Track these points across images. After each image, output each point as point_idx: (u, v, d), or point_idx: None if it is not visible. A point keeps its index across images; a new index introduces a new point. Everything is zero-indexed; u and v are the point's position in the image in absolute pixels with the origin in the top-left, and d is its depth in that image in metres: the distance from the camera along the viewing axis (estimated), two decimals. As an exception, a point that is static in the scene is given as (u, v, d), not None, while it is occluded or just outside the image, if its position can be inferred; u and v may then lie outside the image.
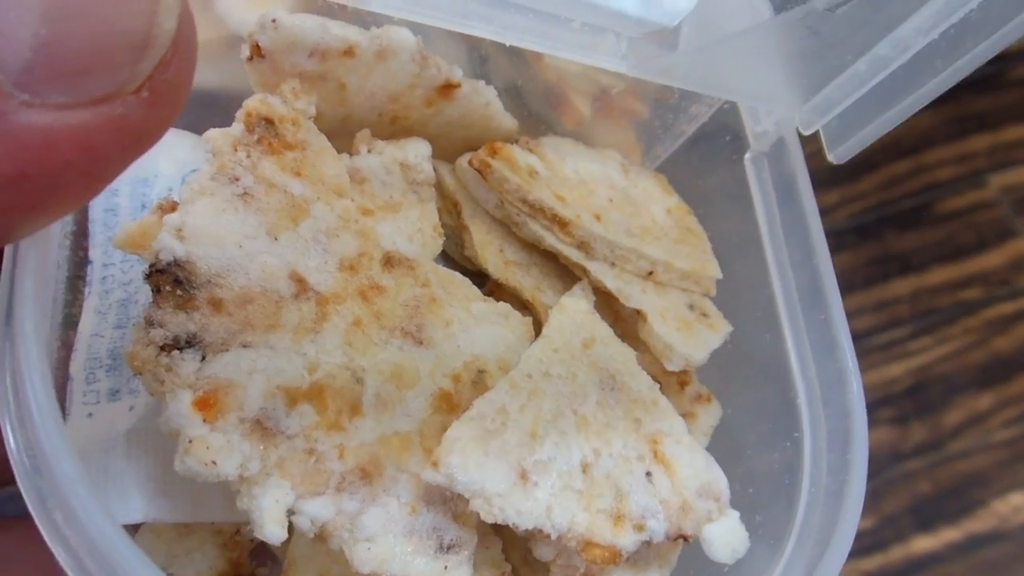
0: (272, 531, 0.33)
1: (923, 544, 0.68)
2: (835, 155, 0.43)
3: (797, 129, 0.44)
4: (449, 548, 0.36)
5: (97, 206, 0.43)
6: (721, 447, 0.43)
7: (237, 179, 0.38)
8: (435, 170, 0.47)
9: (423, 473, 0.35)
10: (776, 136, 0.45)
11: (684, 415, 0.44)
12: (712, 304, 0.46)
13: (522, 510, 0.36)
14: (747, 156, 0.46)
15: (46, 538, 0.28)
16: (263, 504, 0.33)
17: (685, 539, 0.38)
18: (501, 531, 0.40)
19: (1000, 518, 0.69)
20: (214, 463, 0.32)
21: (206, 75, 0.46)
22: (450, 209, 0.47)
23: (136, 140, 0.26)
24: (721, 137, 0.49)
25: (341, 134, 0.45)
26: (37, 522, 0.28)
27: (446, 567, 0.35)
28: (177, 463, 0.33)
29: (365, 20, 0.42)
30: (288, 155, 0.40)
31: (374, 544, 0.34)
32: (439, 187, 0.47)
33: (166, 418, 0.33)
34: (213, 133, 0.39)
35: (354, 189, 0.42)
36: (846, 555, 0.34)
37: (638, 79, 0.48)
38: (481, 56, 0.49)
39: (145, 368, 0.33)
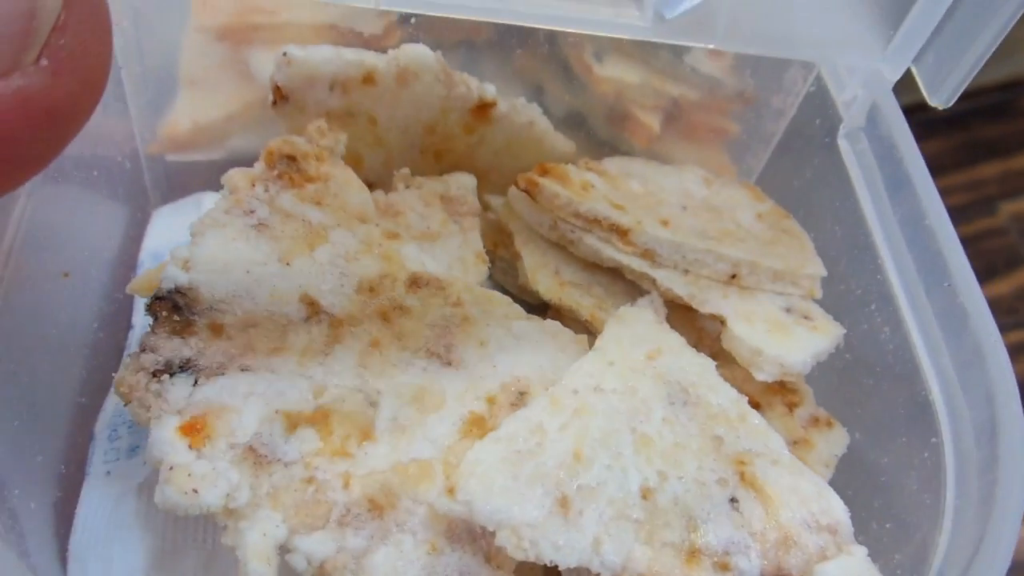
0: (256, 568, 0.28)
1: (940, 572, 0.62)
2: (938, 97, 0.35)
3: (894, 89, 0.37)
4: (479, 596, 0.29)
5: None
6: (850, 479, 0.34)
7: (252, 212, 0.36)
8: (486, 202, 0.44)
9: (436, 501, 0.29)
10: (868, 101, 0.38)
11: (796, 443, 0.36)
12: (818, 307, 0.38)
13: (561, 544, 0.29)
14: (840, 133, 0.39)
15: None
16: (248, 538, 0.28)
17: (790, 582, 0.29)
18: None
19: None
20: (195, 491, 0.29)
21: (248, 140, 0.46)
22: (504, 241, 0.42)
23: (47, 115, 0.25)
24: (811, 123, 0.42)
25: (386, 180, 0.43)
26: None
27: (472, 619, 0.29)
28: (157, 495, 0.29)
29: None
30: (309, 187, 0.38)
31: (382, 589, 0.29)
32: (493, 222, 0.43)
33: (149, 448, 0.30)
34: (232, 172, 0.38)
35: (386, 221, 0.39)
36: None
37: (710, 89, 0.44)
38: (537, 86, 0.46)
39: (132, 394, 0.31)
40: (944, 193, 0.34)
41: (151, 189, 0.45)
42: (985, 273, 0.79)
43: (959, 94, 0.34)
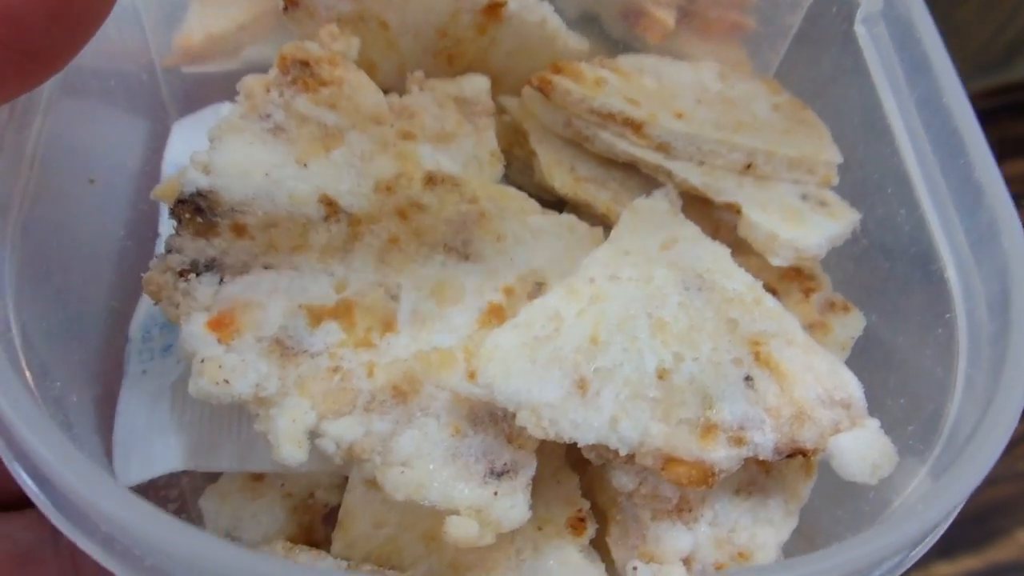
0: (289, 451, 0.29)
1: (943, 571, 0.65)
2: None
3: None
4: (502, 474, 0.30)
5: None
6: (865, 360, 0.34)
7: (268, 116, 0.37)
8: (500, 105, 0.44)
9: (458, 385, 0.30)
10: (885, -18, 0.37)
11: (812, 327, 0.36)
12: (834, 194, 0.38)
13: (579, 421, 0.30)
14: (857, 19, 0.39)
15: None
16: (279, 424, 0.30)
17: (804, 454, 0.30)
18: (579, 466, 0.34)
19: (1023, 548, 0.66)
20: (226, 381, 0.30)
21: (262, 50, 0.46)
22: (520, 141, 0.42)
23: (64, 9, 0.25)
24: (828, 12, 0.41)
25: (400, 87, 0.43)
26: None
27: (496, 493, 0.30)
28: (191, 386, 0.30)
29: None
30: (323, 91, 0.38)
31: (409, 468, 0.30)
32: (508, 124, 0.43)
33: (180, 343, 0.31)
34: (247, 78, 0.38)
35: (401, 121, 0.39)
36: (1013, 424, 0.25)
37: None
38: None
39: (162, 293, 0.32)
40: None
41: (169, 103, 0.45)
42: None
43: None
